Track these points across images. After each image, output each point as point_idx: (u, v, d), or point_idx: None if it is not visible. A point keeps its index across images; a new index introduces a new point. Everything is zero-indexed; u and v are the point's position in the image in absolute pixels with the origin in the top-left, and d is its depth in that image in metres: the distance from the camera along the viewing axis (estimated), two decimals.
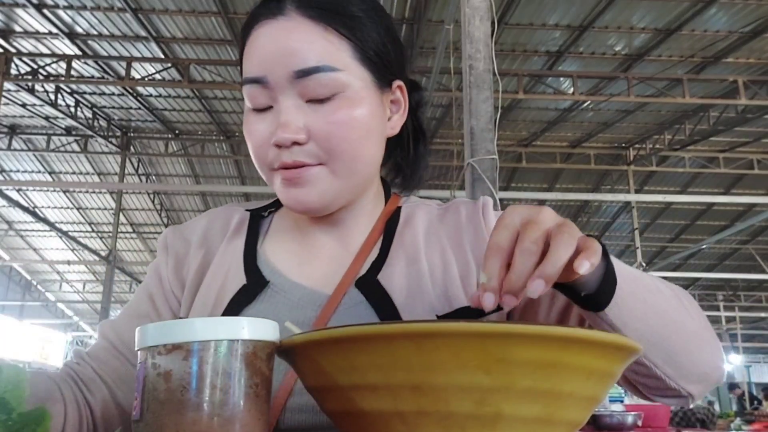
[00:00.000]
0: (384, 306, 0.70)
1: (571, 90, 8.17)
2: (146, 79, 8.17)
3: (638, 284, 0.61)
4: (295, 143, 0.68)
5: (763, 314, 16.64)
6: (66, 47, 7.88)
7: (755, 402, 11.06)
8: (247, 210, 0.85)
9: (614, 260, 0.60)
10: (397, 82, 0.77)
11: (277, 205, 0.86)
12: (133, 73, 8.05)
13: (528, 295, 0.48)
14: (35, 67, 8.06)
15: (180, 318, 0.79)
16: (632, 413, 2.77)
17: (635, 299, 0.60)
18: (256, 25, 0.71)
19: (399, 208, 0.83)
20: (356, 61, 0.70)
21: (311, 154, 0.69)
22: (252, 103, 0.71)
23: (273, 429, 0.65)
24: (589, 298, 0.57)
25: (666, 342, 0.62)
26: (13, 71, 7.88)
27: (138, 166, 11.54)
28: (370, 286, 0.72)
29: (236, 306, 0.73)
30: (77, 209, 13.05)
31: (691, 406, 7.48)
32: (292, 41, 0.68)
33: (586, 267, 0.49)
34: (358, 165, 0.71)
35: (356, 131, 0.69)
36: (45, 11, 7.08)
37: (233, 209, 0.86)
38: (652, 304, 0.61)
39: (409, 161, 0.85)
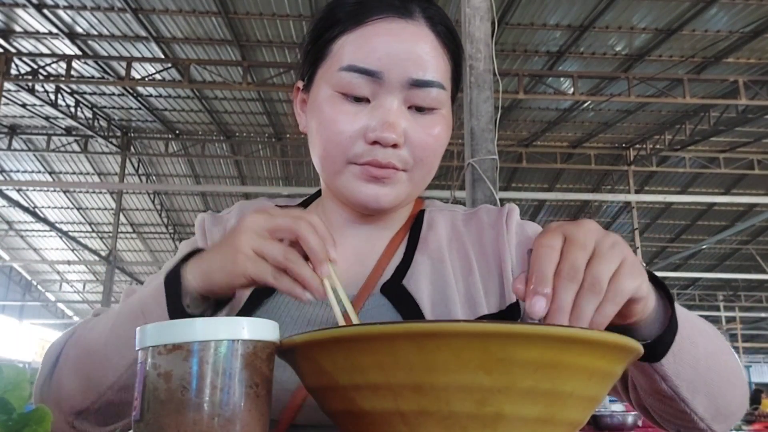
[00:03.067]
0: (410, 310, 0.70)
1: (572, 90, 8.16)
2: (146, 79, 8.17)
3: (692, 327, 0.59)
4: (394, 145, 0.69)
5: (763, 314, 16.64)
6: (66, 47, 7.88)
7: (755, 402, 11.05)
8: (277, 205, 0.86)
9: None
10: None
11: (305, 204, 0.87)
12: (133, 73, 8.05)
13: None
14: (35, 67, 8.06)
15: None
16: (632, 413, 2.76)
17: (693, 344, 0.58)
18: (376, 16, 0.71)
19: (422, 212, 0.84)
20: (450, 84, 0.75)
21: (402, 159, 0.71)
22: (348, 90, 0.70)
23: (289, 425, 0.66)
24: (646, 348, 0.54)
25: (709, 388, 0.61)
26: (13, 71, 7.88)
27: (138, 166, 11.55)
28: (395, 290, 0.73)
29: (257, 298, 0.74)
30: (77, 209, 13.06)
31: None
32: (420, 50, 0.70)
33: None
34: (429, 177, 0.75)
35: (442, 147, 0.74)
36: (45, 11, 7.08)
37: (264, 203, 0.87)
38: (703, 348, 0.60)
39: None
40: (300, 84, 0.80)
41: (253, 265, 0.58)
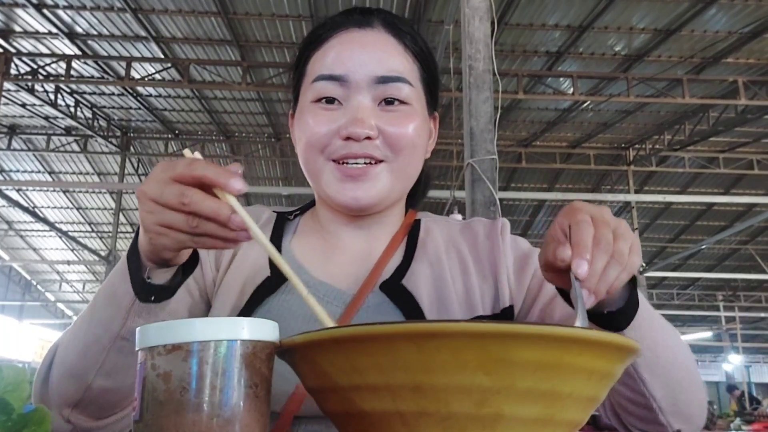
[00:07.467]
0: (410, 307, 0.74)
1: (571, 90, 8.16)
2: (146, 79, 8.17)
3: (654, 316, 0.66)
4: (367, 138, 0.74)
5: (763, 314, 16.64)
6: (66, 47, 7.87)
7: (754, 402, 11.06)
8: (274, 211, 0.90)
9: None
10: (434, 114, 0.86)
11: (302, 210, 0.91)
12: (133, 73, 8.04)
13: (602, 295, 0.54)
14: (35, 67, 8.05)
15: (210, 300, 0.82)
16: None
17: (651, 328, 0.64)
18: (340, 31, 0.78)
19: (418, 221, 0.87)
20: (421, 83, 0.81)
21: (378, 150, 0.75)
22: (321, 97, 0.76)
23: (293, 417, 0.67)
24: (611, 317, 0.61)
25: (668, 375, 0.66)
26: (13, 71, 7.87)
27: (138, 166, 11.54)
28: (394, 289, 0.76)
29: (260, 296, 0.76)
30: (77, 209, 13.05)
31: None
32: (379, 50, 0.77)
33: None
34: (410, 169, 0.79)
35: (415, 139, 0.78)
36: (45, 11, 7.07)
37: (262, 208, 0.90)
38: (663, 337, 0.66)
39: (422, 180, 0.91)
40: (291, 113, 0.86)
41: (167, 240, 0.57)
